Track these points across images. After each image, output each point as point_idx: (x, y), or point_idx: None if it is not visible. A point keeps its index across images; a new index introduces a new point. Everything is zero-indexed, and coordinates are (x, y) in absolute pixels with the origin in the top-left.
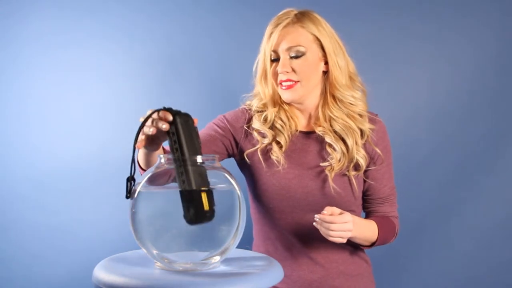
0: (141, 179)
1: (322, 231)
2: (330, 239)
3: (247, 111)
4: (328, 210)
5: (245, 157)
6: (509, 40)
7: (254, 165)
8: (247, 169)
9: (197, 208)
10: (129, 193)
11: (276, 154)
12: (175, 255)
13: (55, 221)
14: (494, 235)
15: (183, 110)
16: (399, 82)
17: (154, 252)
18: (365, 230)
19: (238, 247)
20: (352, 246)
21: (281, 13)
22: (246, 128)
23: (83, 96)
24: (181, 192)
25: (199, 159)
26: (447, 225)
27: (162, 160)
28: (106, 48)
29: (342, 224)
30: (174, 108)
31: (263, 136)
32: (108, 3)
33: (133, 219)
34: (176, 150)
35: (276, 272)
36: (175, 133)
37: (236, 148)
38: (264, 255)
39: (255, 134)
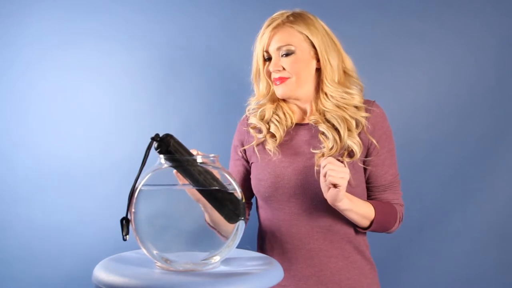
0: (142, 179)
1: (329, 174)
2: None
3: (246, 118)
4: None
5: (243, 152)
6: (509, 40)
7: (252, 159)
8: (249, 164)
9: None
10: (126, 234)
11: (270, 146)
12: (175, 255)
13: (55, 221)
14: (494, 235)
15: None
16: (399, 82)
17: (154, 252)
18: (360, 204)
19: (238, 247)
20: (354, 244)
21: (274, 14)
22: (246, 130)
23: (83, 96)
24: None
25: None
26: (447, 225)
27: (162, 161)
28: (106, 48)
29: (339, 167)
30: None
31: (259, 131)
32: (108, 3)
33: (133, 219)
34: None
35: (276, 272)
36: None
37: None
38: (264, 255)
39: (251, 131)
